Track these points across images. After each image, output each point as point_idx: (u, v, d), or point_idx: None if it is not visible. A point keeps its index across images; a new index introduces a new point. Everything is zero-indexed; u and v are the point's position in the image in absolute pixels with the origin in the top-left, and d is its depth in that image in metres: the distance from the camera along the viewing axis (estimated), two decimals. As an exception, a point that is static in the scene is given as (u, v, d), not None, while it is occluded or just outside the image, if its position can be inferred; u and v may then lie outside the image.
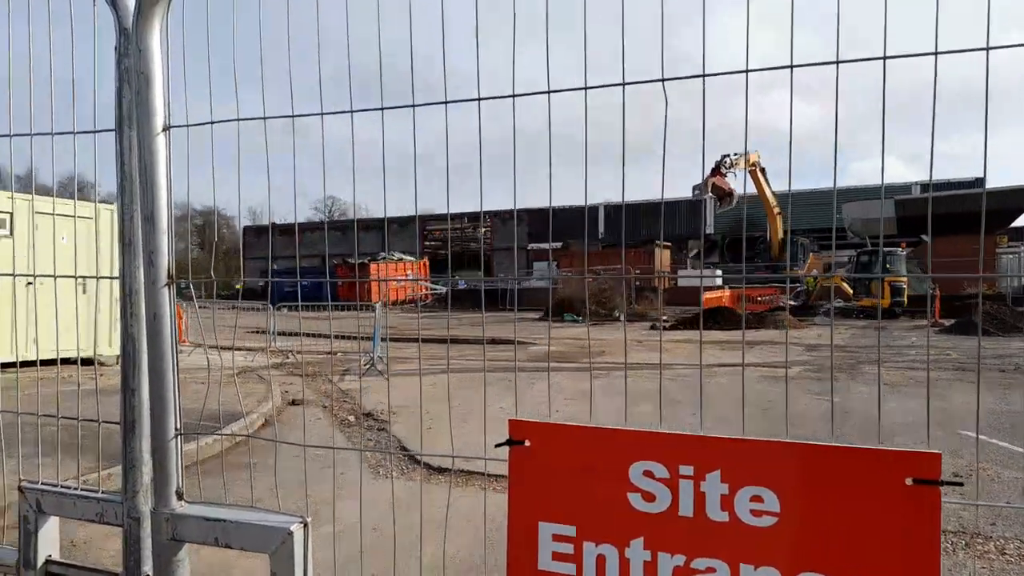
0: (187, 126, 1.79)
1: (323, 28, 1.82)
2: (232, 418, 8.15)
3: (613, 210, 50.68)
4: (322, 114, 1.75)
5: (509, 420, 1.56)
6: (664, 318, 28.14)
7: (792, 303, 31.23)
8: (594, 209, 50.51)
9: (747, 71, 1.47)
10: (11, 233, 8.90)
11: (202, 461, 6.50)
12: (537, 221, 52.79)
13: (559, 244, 45.43)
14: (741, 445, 1.53)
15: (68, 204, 9.96)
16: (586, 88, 1.57)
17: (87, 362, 11.27)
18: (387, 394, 10.54)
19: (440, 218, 55.54)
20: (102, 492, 1.93)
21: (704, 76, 1.53)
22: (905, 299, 28.60)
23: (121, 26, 1.72)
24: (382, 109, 1.76)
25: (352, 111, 1.79)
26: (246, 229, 60.30)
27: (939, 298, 25.64)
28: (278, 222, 54.30)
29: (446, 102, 1.76)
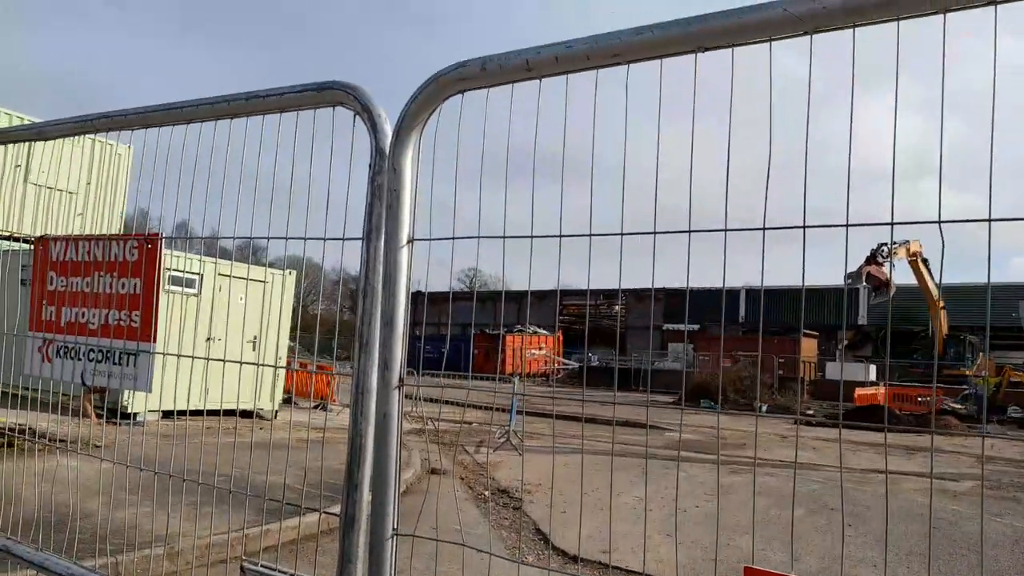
0: (429, 240, 1.92)
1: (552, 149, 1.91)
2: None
3: (755, 294, 48.77)
4: (560, 237, 1.82)
5: (745, 568, 1.48)
6: (810, 411, 26.34)
7: (957, 406, 28.31)
8: (735, 292, 48.87)
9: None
10: (199, 292, 9.89)
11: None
12: (673, 301, 51.77)
13: (696, 326, 44.14)
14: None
15: (257, 270, 10.83)
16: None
17: (248, 414, 12.14)
18: (520, 470, 10.47)
19: (576, 293, 55.80)
20: None
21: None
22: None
23: (377, 147, 1.90)
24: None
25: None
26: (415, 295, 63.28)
27: None
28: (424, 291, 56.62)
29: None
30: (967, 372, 31.86)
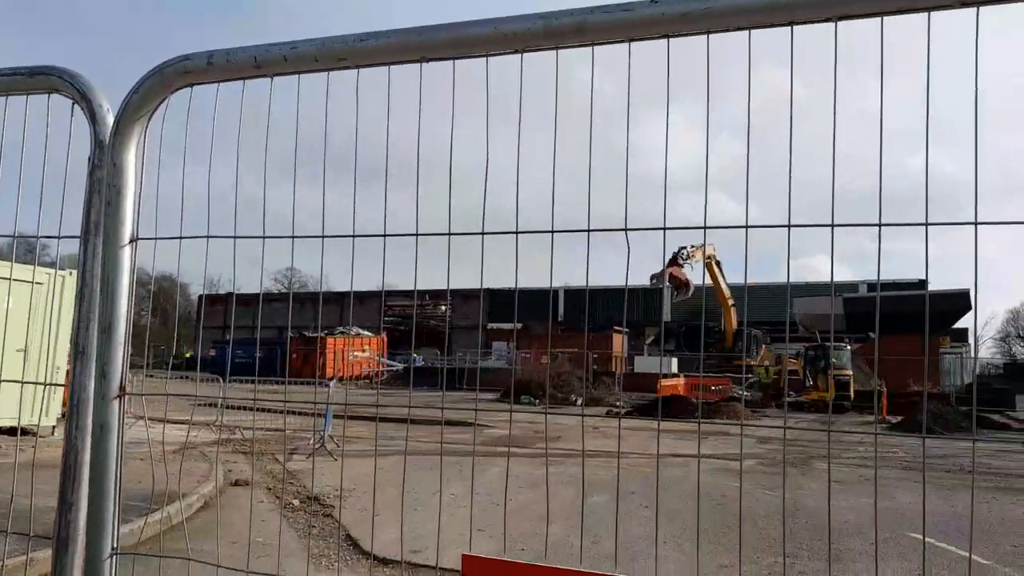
0: (155, 239, 1.80)
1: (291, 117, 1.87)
2: (169, 499, 7.78)
3: (572, 293, 51.26)
4: (328, 239, 1.78)
5: (463, 556, 1.54)
6: (619, 403, 28.14)
7: (744, 393, 31.61)
8: (555, 292, 51.08)
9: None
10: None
11: (132, 546, 6.14)
12: (496, 301, 53.07)
13: (519, 325, 45.55)
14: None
15: (21, 269, 9.62)
16: (551, 231, 1.64)
17: (22, 431, 10.75)
18: (335, 476, 10.21)
19: (401, 294, 55.39)
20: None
21: (626, 230, 1.62)
22: (852, 393, 29.26)
23: (97, 138, 1.75)
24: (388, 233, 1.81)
25: (362, 234, 1.83)
26: (202, 297, 59.16)
27: (885, 395, 26.26)
28: (238, 292, 53.43)
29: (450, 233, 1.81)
30: (751, 363, 35.63)
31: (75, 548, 1.68)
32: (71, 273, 11.05)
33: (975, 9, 1.36)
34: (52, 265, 10.27)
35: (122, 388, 1.72)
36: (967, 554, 7.35)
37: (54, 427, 11.41)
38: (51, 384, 10.74)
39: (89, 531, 1.68)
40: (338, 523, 8.23)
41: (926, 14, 1.39)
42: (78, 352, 1.74)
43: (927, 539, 7.49)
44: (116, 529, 1.70)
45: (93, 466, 1.69)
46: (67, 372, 11.14)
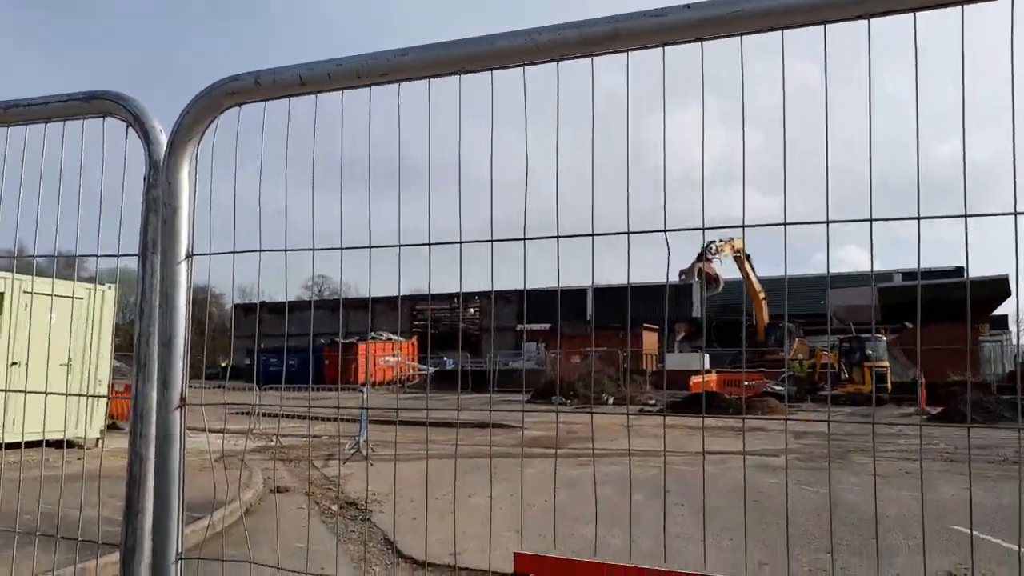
0: (209, 254, 1.88)
1: (333, 133, 1.93)
2: (212, 507, 7.94)
3: (601, 292, 51.06)
4: (344, 248, 1.84)
5: (515, 553, 1.58)
6: (652, 401, 27.99)
7: (779, 388, 31.22)
8: (582, 292, 50.96)
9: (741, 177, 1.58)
10: None
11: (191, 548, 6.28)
12: (526, 303, 52.96)
13: (547, 326, 45.55)
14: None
15: (61, 284, 9.93)
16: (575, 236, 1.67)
17: (68, 444, 11.06)
18: (373, 480, 10.33)
19: (436, 297, 55.73)
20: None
21: (665, 231, 1.64)
22: (889, 385, 28.77)
23: (152, 159, 1.83)
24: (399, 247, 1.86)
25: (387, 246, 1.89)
26: (236, 307, 60.13)
27: (924, 386, 25.76)
28: (267, 300, 54.19)
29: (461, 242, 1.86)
30: (785, 356, 35.20)
31: (142, 554, 1.75)
32: (110, 287, 11.37)
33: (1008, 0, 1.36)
34: (91, 280, 10.54)
35: (183, 399, 1.79)
36: (1015, 547, 7.20)
37: (98, 439, 11.71)
38: (94, 396, 11.09)
39: (155, 537, 1.75)
40: (389, 528, 8.32)
41: (960, 7, 1.40)
42: (139, 365, 1.82)
43: (973, 532, 7.35)
44: (181, 534, 1.78)
45: (158, 474, 1.76)
46: (110, 385, 11.40)
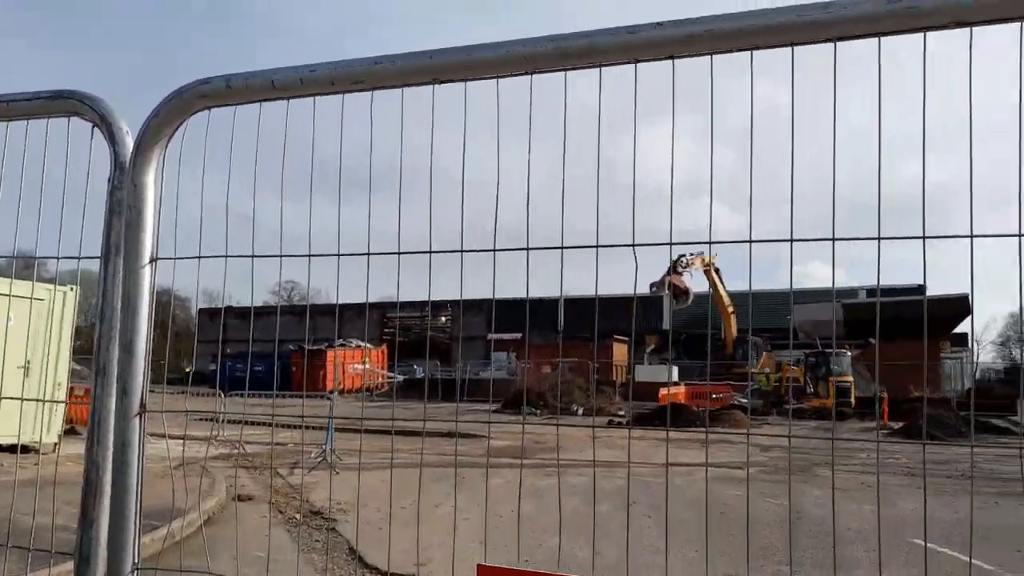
0: (174, 259, 1.84)
1: (303, 132, 1.92)
2: (175, 515, 7.77)
3: (572, 303, 51.24)
4: (324, 256, 1.82)
5: (478, 565, 1.57)
6: (621, 412, 28.11)
7: (744, 401, 31.57)
8: (553, 302, 51.03)
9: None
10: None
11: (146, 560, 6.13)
12: (496, 312, 52.96)
13: (519, 336, 45.55)
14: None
15: (20, 285, 9.63)
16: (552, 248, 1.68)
17: (24, 449, 10.75)
18: (339, 489, 10.22)
19: (402, 306, 55.41)
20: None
21: (634, 245, 1.66)
22: (853, 400, 29.26)
23: (117, 160, 1.79)
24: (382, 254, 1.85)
25: (370, 253, 1.87)
26: (201, 311, 59.06)
27: (887, 401, 26.24)
28: (234, 305, 53.29)
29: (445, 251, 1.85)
30: (752, 370, 35.62)
31: (97, 564, 1.71)
32: (72, 289, 11.10)
33: (968, 29, 1.41)
34: (52, 281, 10.25)
35: (143, 405, 1.76)
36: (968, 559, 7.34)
37: (56, 444, 11.41)
38: (52, 401, 10.79)
39: (111, 547, 1.71)
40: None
41: (921, 34, 1.44)
42: (99, 370, 1.78)
43: (930, 545, 7.50)
44: (137, 545, 1.74)
45: (114, 483, 1.72)
46: (69, 389, 11.10)
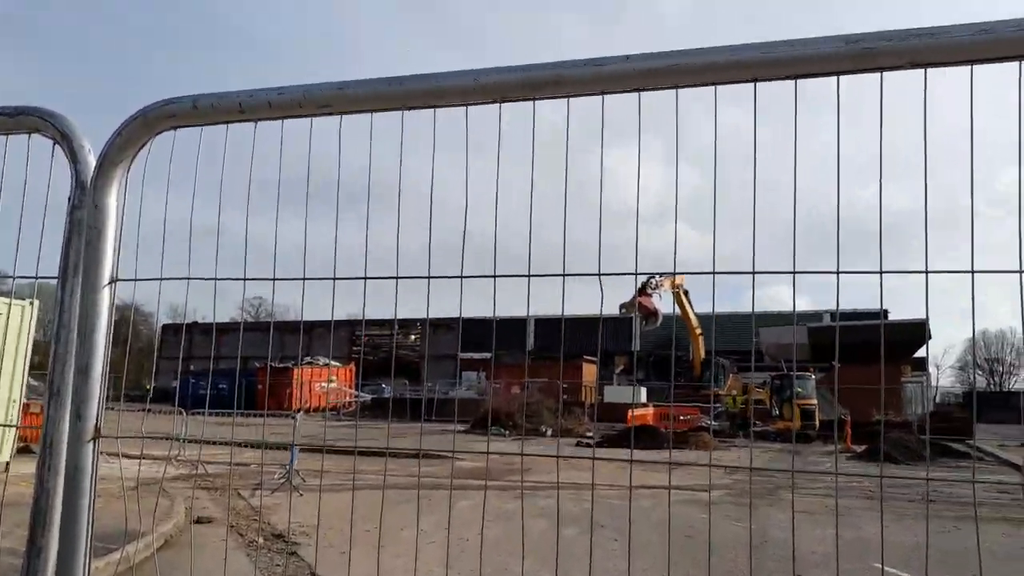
0: (135, 280, 1.81)
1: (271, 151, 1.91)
2: (129, 538, 7.55)
3: (542, 323, 51.37)
4: (274, 280, 1.81)
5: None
6: (590, 433, 28.10)
7: (712, 423, 31.79)
8: (523, 322, 51.10)
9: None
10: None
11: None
12: (466, 331, 52.88)
13: (488, 355, 45.45)
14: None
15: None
16: (527, 276, 1.69)
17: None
18: (303, 511, 10.02)
19: (368, 323, 55.00)
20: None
21: (600, 275, 1.68)
22: (817, 422, 29.64)
23: (79, 179, 1.76)
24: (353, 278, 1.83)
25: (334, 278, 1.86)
26: (165, 327, 57.73)
27: (850, 424, 26.63)
28: (199, 321, 52.33)
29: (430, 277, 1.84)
30: (719, 392, 35.95)
31: (44, 595, 1.65)
32: (31, 303, 10.80)
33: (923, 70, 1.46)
34: (7, 294, 9.91)
35: (97, 430, 1.71)
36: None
37: (8, 463, 11.04)
38: (5, 425, 10.43)
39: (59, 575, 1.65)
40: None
41: (878, 73, 1.49)
42: (52, 392, 1.73)
43: (890, 569, 7.59)
44: (87, 573, 1.68)
45: (65, 510, 1.66)
46: (23, 406, 10.77)
